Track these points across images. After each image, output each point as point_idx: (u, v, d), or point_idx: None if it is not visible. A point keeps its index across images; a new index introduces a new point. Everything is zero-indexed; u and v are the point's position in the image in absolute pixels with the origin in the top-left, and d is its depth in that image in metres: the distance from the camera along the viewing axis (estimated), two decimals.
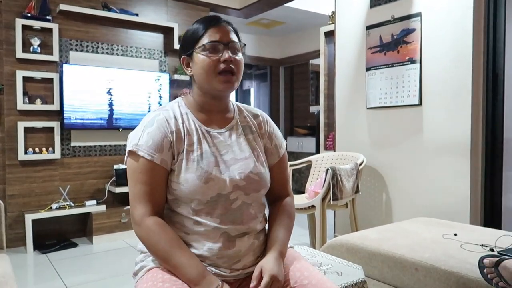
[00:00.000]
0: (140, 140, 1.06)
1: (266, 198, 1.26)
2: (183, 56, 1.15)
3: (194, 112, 1.14)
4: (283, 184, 1.25)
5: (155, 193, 1.06)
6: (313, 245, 3.05)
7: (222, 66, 1.07)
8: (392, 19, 2.80)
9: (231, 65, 1.08)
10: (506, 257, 1.29)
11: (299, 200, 2.78)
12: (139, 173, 1.06)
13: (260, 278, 1.02)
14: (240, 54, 1.12)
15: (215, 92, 1.11)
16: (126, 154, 1.09)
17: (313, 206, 2.61)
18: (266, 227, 1.23)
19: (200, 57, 1.09)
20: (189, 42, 1.12)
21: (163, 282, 1.00)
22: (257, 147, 1.18)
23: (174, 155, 1.08)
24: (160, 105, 3.74)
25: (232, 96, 8.41)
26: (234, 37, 1.11)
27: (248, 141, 1.17)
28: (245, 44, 1.15)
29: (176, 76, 3.94)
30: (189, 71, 1.14)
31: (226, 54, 1.07)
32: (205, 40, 1.08)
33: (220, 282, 0.99)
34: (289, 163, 3.09)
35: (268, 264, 1.05)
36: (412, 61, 2.68)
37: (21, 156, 3.19)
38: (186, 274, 0.99)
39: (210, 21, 1.11)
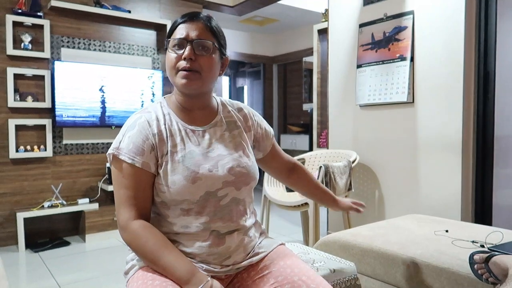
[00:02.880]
0: (121, 144, 1.06)
1: (280, 173, 1.39)
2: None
3: (176, 112, 1.13)
4: (286, 157, 1.39)
5: (139, 197, 1.05)
6: (306, 242, 3.06)
7: (182, 63, 1.05)
8: (385, 17, 2.81)
9: (193, 63, 1.05)
10: (496, 253, 1.30)
11: (292, 197, 2.79)
12: (122, 178, 1.05)
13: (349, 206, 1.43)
14: (211, 53, 1.07)
15: (179, 89, 1.10)
16: (109, 159, 1.09)
17: (306, 204, 2.62)
18: (258, 223, 1.24)
19: (168, 53, 1.09)
20: (167, 38, 1.12)
21: (153, 280, 1.00)
22: (242, 142, 1.18)
23: (158, 157, 1.06)
24: (153, 102, 3.73)
25: (226, 93, 8.35)
26: (204, 35, 1.07)
27: (233, 137, 1.17)
28: (221, 45, 1.12)
29: None
30: None
31: (187, 52, 1.04)
32: (174, 36, 1.08)
33: (209, 279, 0.98)
34: None
35: (345, 200, 1.44)
36: (402, 58, 2.70)
37: (12, 154, 3.16)
38: (175, 273, 0.99)
39: (183, 17, 1.09)
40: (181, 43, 1.06)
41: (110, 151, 1.07)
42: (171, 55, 1.07)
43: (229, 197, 1.10)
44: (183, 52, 1.05)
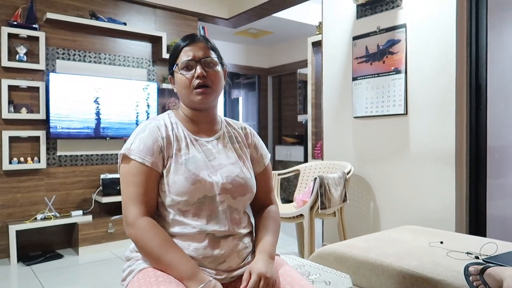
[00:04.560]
0: (132, 145, 1.14)
1: (252, 208, 1.34)
2: (169, 76, 1.26)
3: (183, 123, 1.22)
4: (267, 192, 1.33)
5: (148, 194, 1.11)
6: (301, 254, 3.05)
7: (196, 81, 1.16)
8: (378, 30, 2.85)
9: (205, 80, 1.16)
10: (491, 264, 1.31)
11: (287, 209, 2.78)
12: (132, 176, 1.11)
13: (250, 279, 1.07)
14: (216, 67, 1.19)
15: (195, 105, 1.20)
16: (120, 160, 1.16)
17: (301, 215, 2.62)
18: (252, 233, 1.27)
19: (178, 76, 1.19)
20: (170, 62, 1.23)
21: (156, 278, 1.03)
22: (242, 155, 1.26)
23: (164, 159, 1.14)
24: (148, 113, 3.74)
25: (221, 104, 8.38)
26: (208, 53, 1.19)
27: (234, 149, 1.25)
28: (220, 58, 1.23)
29: (164, 85, 3.94)
30: (174, 88, 1.24)
31: (199, 70, 1.16)
32: (180, 59, 1.18)
33: (211, 279, 1.03)
34: (277, 172, 3.10)
35: (255, 264, 1.09)
36: (397, 71, 2.73)
37: (6, 166, 3.13)
38: (179, 270, 1.03)
39: (184, 41, 1.20)
40: (190, 65, 1.17)
41: (121, 152, 1.15)
42: (182, 77, 1.17)
43: (226, 204, 1.15)
44: (194, 71, 1.16)
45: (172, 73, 1.23)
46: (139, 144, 1.13)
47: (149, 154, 1.12)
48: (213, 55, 1.20)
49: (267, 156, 1.35)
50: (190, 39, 1.20)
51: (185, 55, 1.17)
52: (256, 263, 1.10)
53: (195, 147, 1.18)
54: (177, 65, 1.18)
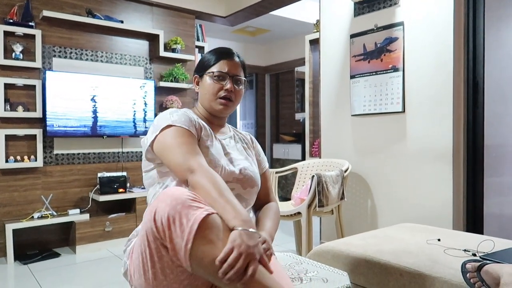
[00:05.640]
0: (172, 119, 1.22)
1: (253, 207, 1.42)
2: (195, 75, 1.39)
3: (201, 119, 1.35)
4: (267, 193, 1.46)
5: (199, 151, 1.19)
6: (299, 252, 3.05)
7: (223, 93, 1.31)
8: (375, 28, 2.85)
9: (231, 94, 1.31)
10: (488, 261, 1.31)
11: (285, 207, 2.78)
12: (181, 137, 1.18)
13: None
14: (241, 86, 1.35)
15: (213, 112, 1.35)
16: (157, 133, 1.20)
17: (299, 213, 2.62)
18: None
19: (207, 81, 1.33)
20: (203, 66, 1.36)
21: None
22: (250, 154, 1.43)
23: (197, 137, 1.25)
24: (145, 112, 3.72)
25: None
26: (240, 72, 1.35)
27: (244, 148, 1.42)
28: (246, 80, 1.40)
29: (162, 83, 3.93)
30: (197, 88, 1.38)
31: (229, 85, 1.31)
32: (216, 68, 1.32)
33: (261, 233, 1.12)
34: (275, 170, 3.10)
35: None
36: (395, 69, 2.73)
37: (2, 164, 3.12)
38: (238, 210, 1.04)
39: (224, 54, 1.34)
40: (223, 76, 1.32)
41: (164, 125, 1.21)
42: (212, 83, 1.31)
43: (236, 192, 1.25)
44: (225, 84, 1.31)
45: (202, 75, 1.35)
46: (179, 117, 1.22)
47: (191, 125, 1.22)
48: (242, 75, 1.36)
49: (266, 162, 1.51)
50: (229, 53, 1.35)
51: (222, 67, 1.31)
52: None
53: (215, 138, 1.32)
54: (213, 72, 1.31)
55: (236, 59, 1.35)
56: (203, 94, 1.34)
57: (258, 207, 1.42)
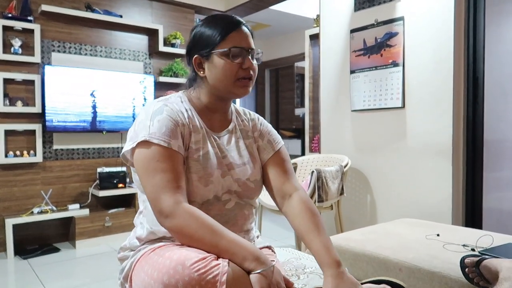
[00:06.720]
0: (151, 129, 1.00)
1: (273, 199, 1.21)
2: (196, 56, 1.09)
3: (198, 112, 1.12)
4: (284, 178, 1.18)
5: (179, 179, 0.98)
6: (298, 247, 3.06)
7: (242, 73, 1.07)
8: (375, 23, 2.84)
9: (251, 72, 1.08)
10: (487, 256, 1.31)
11: None
12: (156, 162, 0.97)
13: None
14: (256, 60, 1.12)
15: (231, 96, 1.11)
16: (132, 147, 1.01)
17: None
18: (255, 224, 1.24)
19: (220, 61, 1.06)
20: (206, 43, 1.07)
21: (163, 251, 0.96)
22: (254, 153, 1.19)
23: (185, 146, 1.04)
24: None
25: None
26: (253, 43, 1.11)
27: (246, 146, 1.18)
28: (262, 52, 1.15)
29: (161, 78, 3.92)
30: (201, 72, 1.10)
31: (248, 62, 1.07)
32: (227, 44, 1.05)
33: (273, 263, 0.94)
34: None
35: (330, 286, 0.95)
36: (395, 64, 2.72)
37: (1, 159, 3.11)
38: (240, 255, 0.91)
39: (231, 24, 1.08)
40: (239, 53, 1.06)
41: (140, 138, 0.99)
42: (228, 64, 1.05)
43: (233, 202, 1.10)
44: (244, 62, 1.07)
45: (207, 56, 1.07)
46: (160, 127, 1.00)
47: (173, 137, 1.00)
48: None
49: (279, 140, 1.23)
50: (237, 23, 1.08)
51: (235, 41, 1.06)
52: (329, 283, 0.95)
53: (209, 140, 1.09)
54: (225, 50, 1.05)
55: (245, 27, 1.10)
56: (215, 78, 1.07)
57: (279, 198, 1.17)
